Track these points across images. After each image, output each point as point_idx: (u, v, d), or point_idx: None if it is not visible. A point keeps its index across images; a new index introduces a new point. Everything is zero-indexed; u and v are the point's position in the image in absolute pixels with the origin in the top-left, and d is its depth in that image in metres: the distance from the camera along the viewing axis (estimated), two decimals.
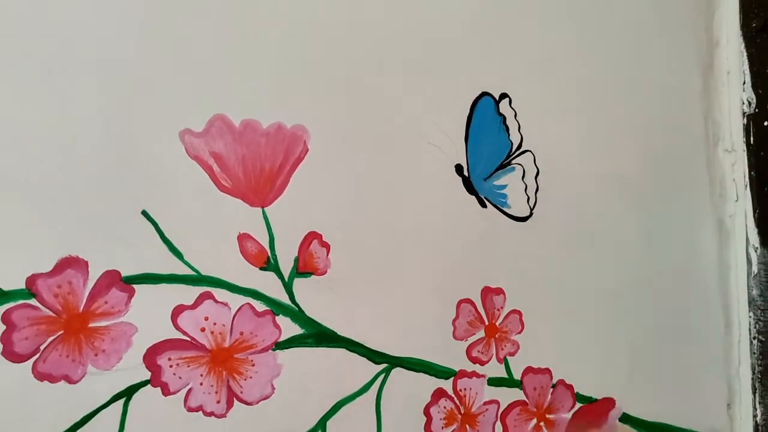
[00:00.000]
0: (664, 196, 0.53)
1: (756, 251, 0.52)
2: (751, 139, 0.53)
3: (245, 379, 0.38)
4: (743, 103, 0.54)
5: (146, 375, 0.35)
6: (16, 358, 0.32)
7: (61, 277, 0.34)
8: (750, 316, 0.53)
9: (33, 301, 0.33)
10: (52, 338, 0.33)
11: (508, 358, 0.46)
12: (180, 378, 0.36)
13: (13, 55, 0.34)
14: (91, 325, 0.34)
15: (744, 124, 0.54)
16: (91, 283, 0.34)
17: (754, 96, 0.53)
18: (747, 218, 0.53)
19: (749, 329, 0.52)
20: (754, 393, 0.53)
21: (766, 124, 0.52)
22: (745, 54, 0.54)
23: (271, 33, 0.40)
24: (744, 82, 0.54)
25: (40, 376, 0.33)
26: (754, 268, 0.52)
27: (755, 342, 0.52)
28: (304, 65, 0.40)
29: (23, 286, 0.33)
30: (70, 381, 0.34)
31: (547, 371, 0.47)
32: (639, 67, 0.53)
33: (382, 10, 0.43)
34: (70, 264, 0.34)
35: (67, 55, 0.35)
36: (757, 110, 0.53)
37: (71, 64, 0.35)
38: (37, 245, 0.33)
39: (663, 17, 0.55)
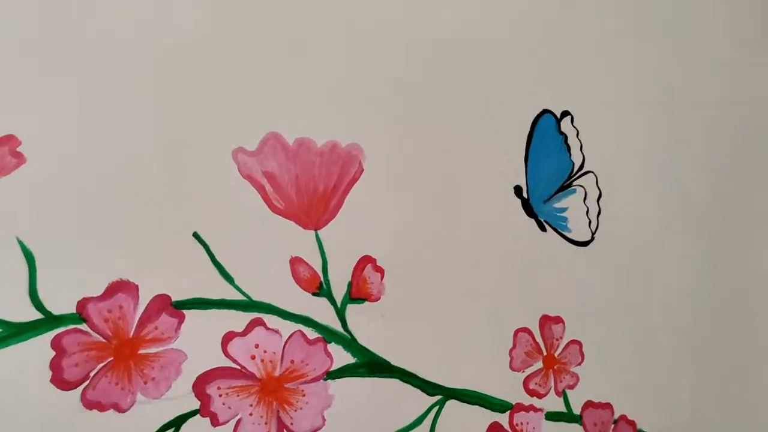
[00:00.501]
0: (729, 216, 0.50)
1: None
2: None
3: (296, 410, 0.36)
4: None
5: (195, 404, 0.34)
6: (66, 385, 0.31)
7: (112, 301, 0.33)
8: None
9: (83, 326, 0.32)
10: (102, 365, 0.32)
11: (567, 391, 0.44)
12: (229, 408, 0.35)
13: (67, 78, 0.33)
14: (141, 351, 0.33)
15: None
16: (141, 308, 0.33)
17: None
18: None
19: None
20: None
21: None
22: None
23: (326, 50, 0.38)
24: None
25: (89, 404, 0.32)
26: None
27: None
28: (360, 83, 0.39)
29: (74, 311, 0.32)
30: (119, 409, 0.32)
31: (608, 406, 0.45)
32: (706, 81, 0.51)
33: (441, 28, 0.41)
34: (121, 288, 0.33)
35: (123, 73, 0.34)
36: None
37: (127, 83, 0.34)
38: (88, 268, 0.32)
39: (731, 29, 0.52)
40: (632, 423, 0.45)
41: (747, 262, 0.51)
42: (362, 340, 0.38)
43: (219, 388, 0.34)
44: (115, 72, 0.34)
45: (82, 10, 0.33)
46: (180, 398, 0.34)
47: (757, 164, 0.53)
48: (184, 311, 0.34)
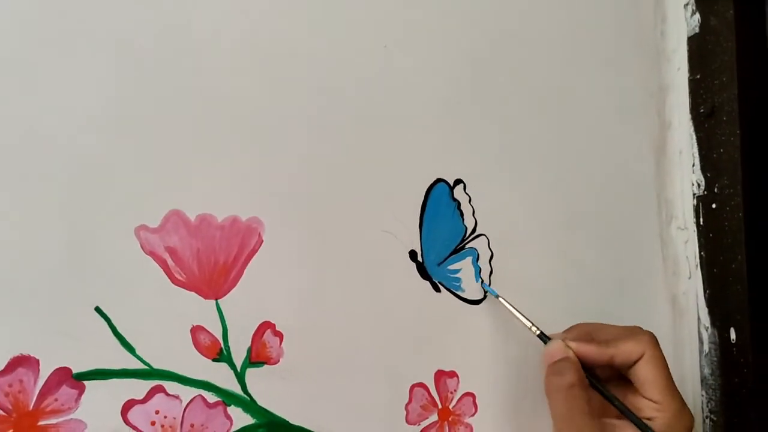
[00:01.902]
0: (619, 276, 0.54)
1: (707, 330, 0.54)
2: (701, 220, 0.55)
3: None
4: (693, 185, 0.56)
5: None
6: None
7: (13, 376, 0.35)
8: (702, 395, 0.54)
9: None
10: None
11: None
12: None
13: None
14: (40, 423, 0.35)
15: (694, 205, 0.56)
16: (41, 381, 0.35)
17: (702, 178, 0.55)
18: (698, 298, 0.55)
19: (702, 408, 0.53)
20: None
21: (714, 206, 0.54)
22: (694, 137, 0.56)
23: (225, 127, 0.41)
24: (693, 164, 0.56)
25: None
26: (705, 347, 0.54)
27: (707, 421, 0.53)
28: (258, 157, 0.42)
29: None
30: None
31: None
32: (594, 149, 0.56)
33: (341, 99, 0.45)
34: (22, 362, 0.35)
35: (26, 148, 0.36)
36: (705, 192, 0.55)
37: (30, 159, 0.36)
38: None
39: (618, 99, 0.57)
40: None
41: (636, 315, 0.55)
42: (262, 402, 0.41)
43: None
44: (19, 145, 0.36)
45: None
46: None
47: (641, 222, 0.57)
48: (85, 382, 0.36)
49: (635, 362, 0.43)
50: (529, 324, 0.46)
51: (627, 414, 0.42)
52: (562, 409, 0.42)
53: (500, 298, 0.48)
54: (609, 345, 0.44)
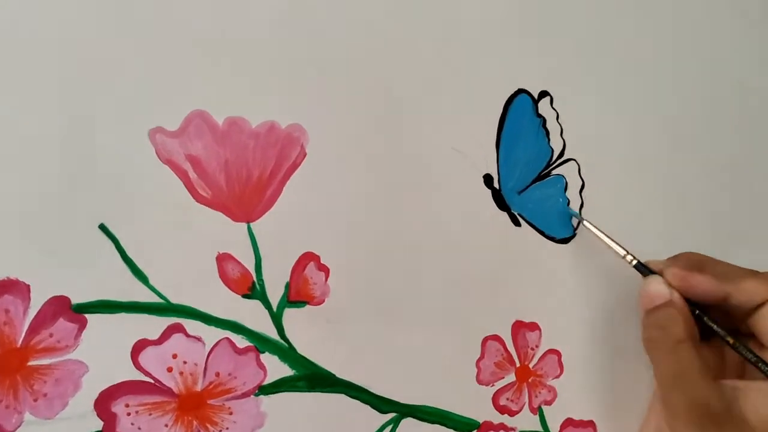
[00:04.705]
0: (740, 220, 0.45)
1: None
2: None
3: (220, 431, 0.31)
4: None
5: (98, 425, 0.29)
6: None
7: None
8: None
9: None
10: None
11: (544, 407, 0.39)
12: (139, 429, 0.30)
13: None
14: (30, 363, 0.28)
15: None
16: (33, 312, 0.28)
17: None
18: None
19: None
20: None
21: None
22: None
23: (262, 17, 0.33)
24: None
25: None
26: None
27: None
28: (302, 53, 0.34)
29: None
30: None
31: (591, 424, 0.39)
32: (713, 59, 0.45)
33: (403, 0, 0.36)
34: (7, 288, 0.28)
35: (23, 37, 0.29)
36: None
37: (25, 45, 0.29)
38: None
39: (736, 10, 0.47)
40: None
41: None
42: (302, 350, 0.33)
43: (127, 406, 0.30)
44: (14, 36, 0.29)
45: None
46: (78, 418, 0.29)
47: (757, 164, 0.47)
48: (87, 315, 0.29)
49: (758, 308, 0.34)
50: (623, 252, 0.37)
51: (754, 361, 0.33)
52: (668, 371, 0.34)
53: (585, 222, 0.39)
54: (726, 279, 0.34)
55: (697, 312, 0.35)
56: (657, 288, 0.35)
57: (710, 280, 0.34)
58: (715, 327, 0.35)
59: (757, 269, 0.36)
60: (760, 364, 0.33)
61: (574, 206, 0.40)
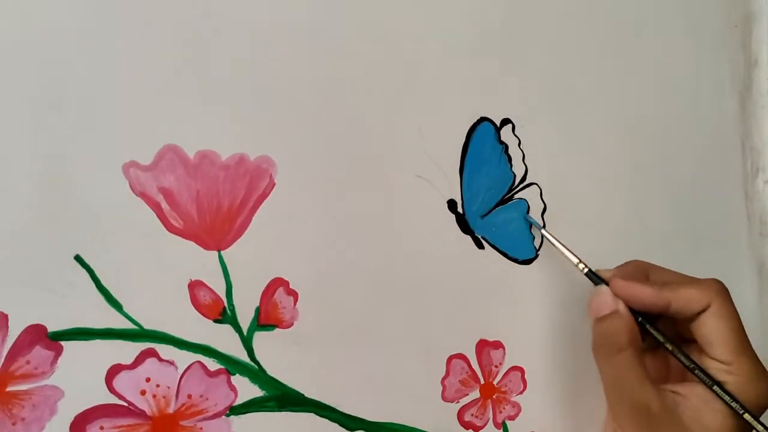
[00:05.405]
0: (695, 237, 0.46)
1: None
2: None
3: None
4: None
5: None
6: None
7: None
8: None
9: None
10: None
11: (508, 422, 0.40)
12: None
13: None
14: (9, 389, 0.30)
15: None
16: (11, 341, 0.30)
17: None
18: None
19: None
20: None
21: None
22: None
23: (227, 54, 0.35)
24: None
25: None
26: None
27: None
28: (270, 85, 0.36)
29: None
30: None
31: None
32: (666, 89, 0.47)
33: (368, 27, 0.38)
34: None
35: None
36: None
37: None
38: None
39: (693, 33, 0.49)
40: None
41: None
42: (271, 371, 0.35)
43: (102, 428, 0.31)
44: None
45: None
46: None
47: (721, 174, 0.49)
48: (63, 343, 0.31)
49: (698, 315, 0.36)
50: (575, 260, 0.39)
51: (691, 368, 0.35)
52: (609, 377, 0.36)
53: (543, 231, 0.40)
54: (666, 288, 0.36)
55: (640, 320, 0.36)
56: (604, 299, 0.37)
57: (651, 291, 0.36)
58: (655, 333, 0.36)
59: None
60: (696, 371, 0.35)
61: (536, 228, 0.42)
